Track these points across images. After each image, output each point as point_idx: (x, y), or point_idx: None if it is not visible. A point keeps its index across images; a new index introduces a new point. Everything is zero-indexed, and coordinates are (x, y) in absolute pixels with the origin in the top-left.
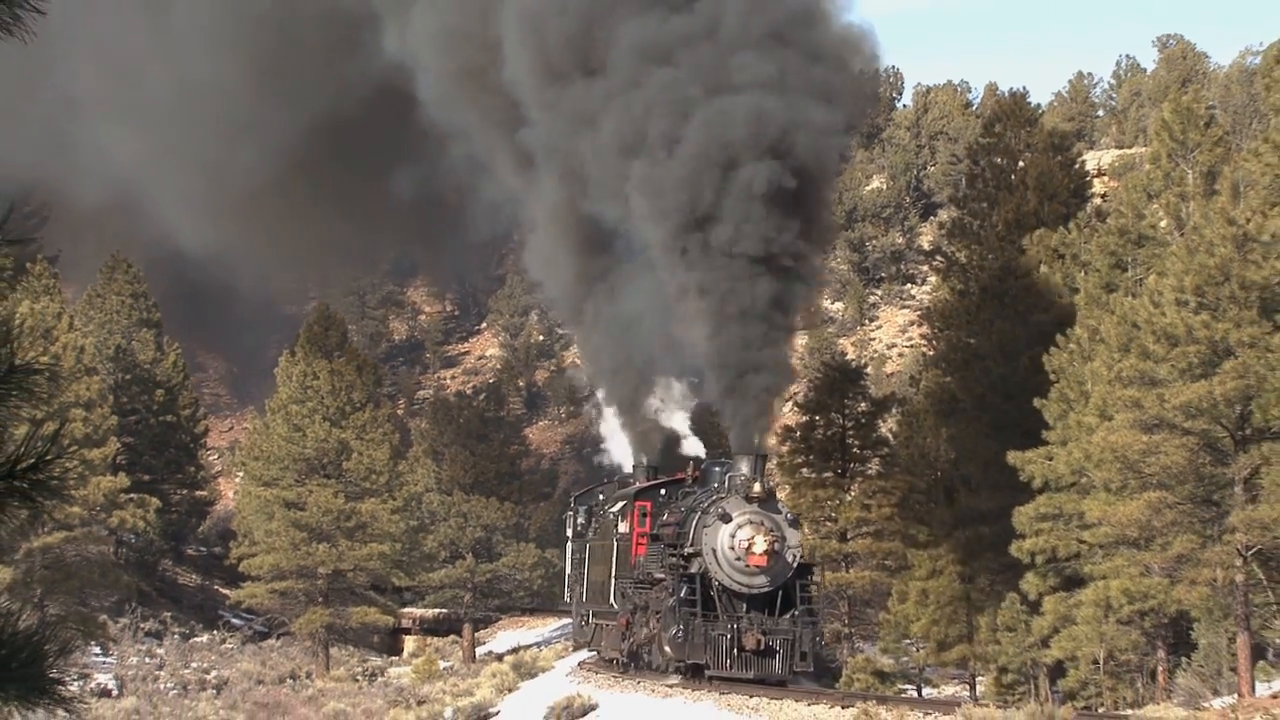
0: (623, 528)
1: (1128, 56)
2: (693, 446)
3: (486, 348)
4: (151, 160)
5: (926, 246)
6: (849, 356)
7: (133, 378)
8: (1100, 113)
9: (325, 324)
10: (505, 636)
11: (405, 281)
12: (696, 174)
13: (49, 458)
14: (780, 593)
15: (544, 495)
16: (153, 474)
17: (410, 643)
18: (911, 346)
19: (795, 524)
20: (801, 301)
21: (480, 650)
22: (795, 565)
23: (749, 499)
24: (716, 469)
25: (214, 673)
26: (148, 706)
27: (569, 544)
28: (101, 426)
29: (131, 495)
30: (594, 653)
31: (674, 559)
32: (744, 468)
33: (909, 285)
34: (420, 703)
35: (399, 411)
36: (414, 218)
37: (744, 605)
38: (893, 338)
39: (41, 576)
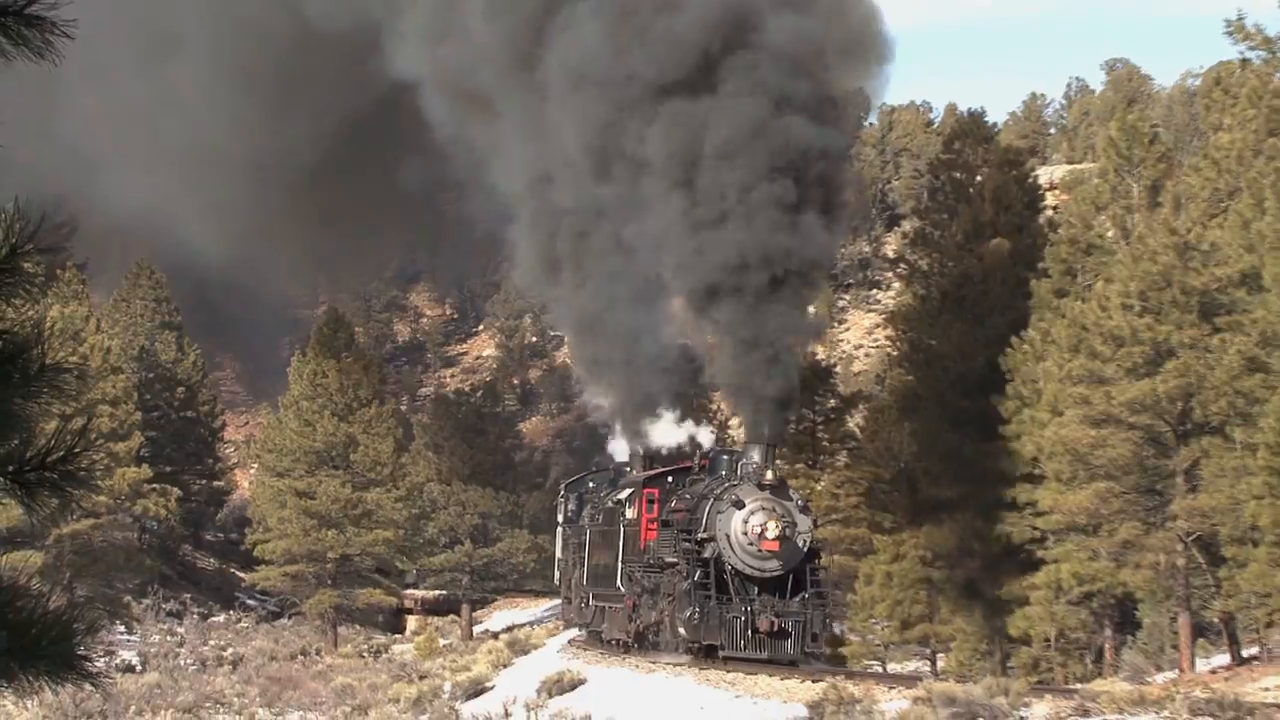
0: (630, 514)
1: (1077, 79)
2: (663, 432)
3: (483, 348)
4: (167, 182)
5: (891, 255)
6: (819, 357)
7: (155, 376)
8: (1052, 131)
9: (334, 326)
10: (500, 616)
11: (408, 287)
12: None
13: (77, 450)
14: (791, 576)
15: (536, 485)
16: (174, 465)
17: (412, 622)
18: (877, 347)
19: (805, 510)
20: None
21: (477, 629)
22: (806, 550)
23: (761, 486)
24: (725, 457)
25: (230, 650)
26: (169, 681)
27: (559, 529)
28: (126, 421)
29: (154, 485)
30: (593, 633)
31: (688, 544)
32: (755, 455)
33: (875, 291)
34: (422, 677)
35: (402, 408)
36: (417, 227)
37: (755, 588)
38: (860, 339)
39: (70, 561)
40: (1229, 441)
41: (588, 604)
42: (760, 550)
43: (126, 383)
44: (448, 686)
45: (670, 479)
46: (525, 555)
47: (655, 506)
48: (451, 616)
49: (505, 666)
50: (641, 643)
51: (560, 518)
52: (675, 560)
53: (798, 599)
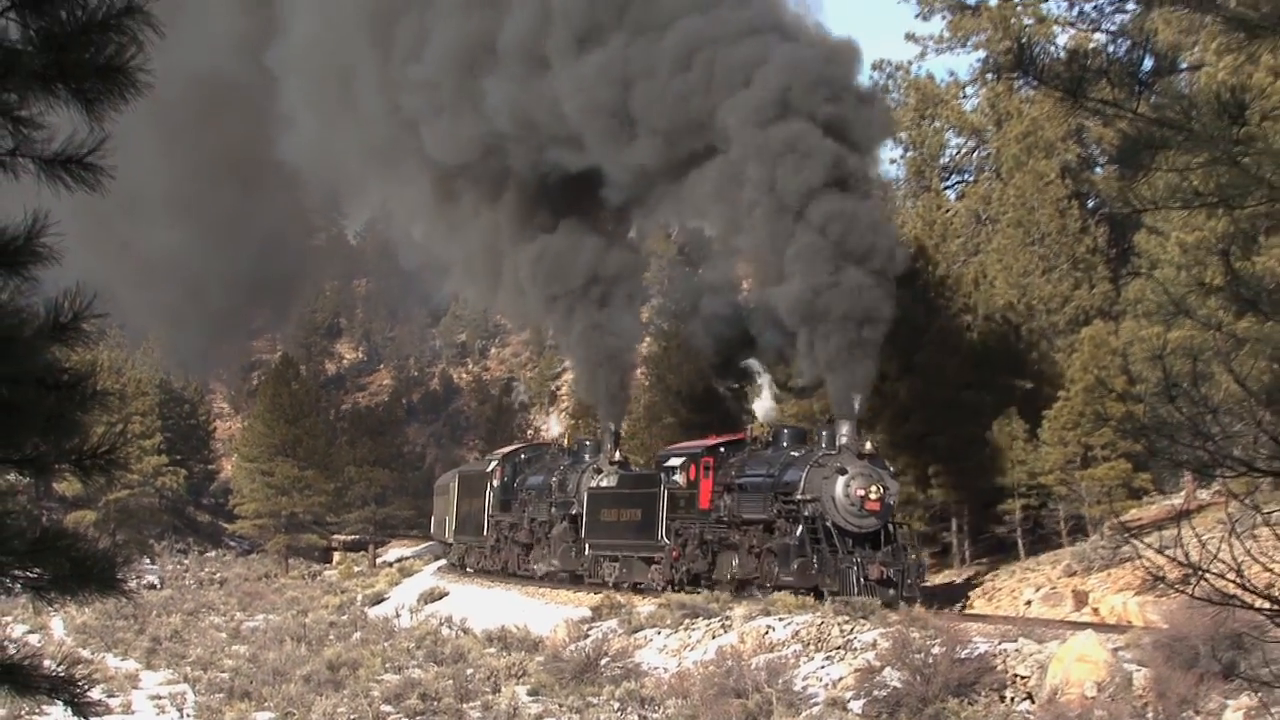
0: (679, 479)
1: None
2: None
3: (383, 380)
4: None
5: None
6: None
7: (170, 397)
8: None
9: (286, 364)
10: (394, 552)
11: (335, 339)
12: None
13: (118, 445)
14: (881, 531)
15: (416, 468)
16: (181, 454)
17: (337, 556)
18: (634, 382)
19: (893, 476)
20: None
21: (379, 560)
22: (894, 508)
23: (860, 455)
24: (785, 431)
25: (219, 574)
26: (178, 595)
27: (489, 493)
28: (151, 426)
29: (169, 468)
30: (575, 576)
31: (788, 504)
32: (845, 429)
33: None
34: (342, 592)
35: (331, 417)
36: (340, 301)
37: (849, 541)
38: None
39: (114, 516)
40: None
41: (579, 553)
42: (862, 510)
43: (151, 401)
44: (359, 597)
45: (723, 449)
46: (408, 513)
47: (711, 472)
48: (362, 552)
49: (397, 584)
50: (679, 584)
51: (495, 483)
52: (760, 518)
53: (885, 550)
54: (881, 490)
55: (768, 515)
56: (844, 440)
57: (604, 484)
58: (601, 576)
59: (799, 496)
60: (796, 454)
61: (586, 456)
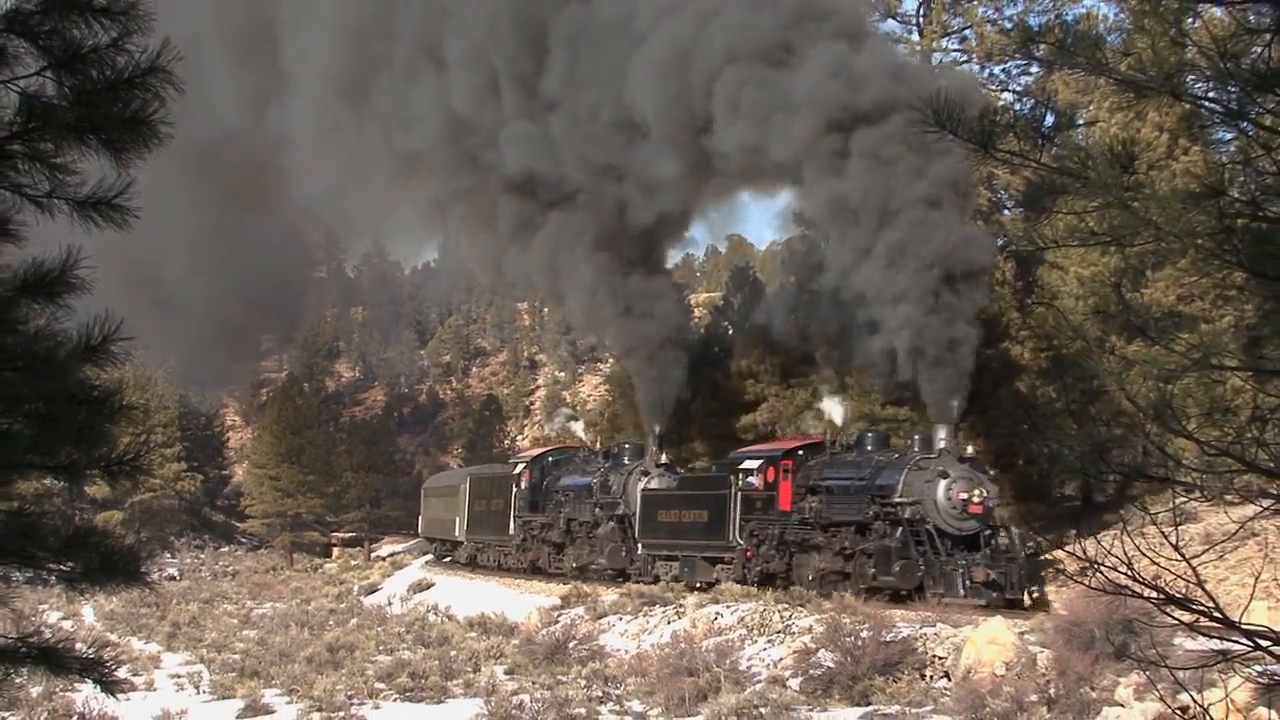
0: (755, 481)
1: (712, 245)
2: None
3: (377, 395)
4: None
5: (608, 342)
6: (568, 400)
7: (188, 410)
8: (699, 274)
9: (291, 382)
10: (386, 548)
11: (334, 360)
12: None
13: (142, 453)
14: (980, 534)
15: (406, 474)
16: (198, 461)
17: (336, 551)
18: (600, 396)
19: (992, 480)
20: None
21: (374, 555)
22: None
23: (961, 460)
24: (870, 435)
25: (231, 567)
26: (195, 585)
27: (515, 494)
28: (172, 436)
29: (187, 473)
30: (619, 573)
31: (885, 507)
32: (942, 433)
33: (599, 363)
34: (341, 582)
35: (330, 429)
36: (340, 329)
37: (948, 544)
38: (590, 391)
39: (139, 516)
40: None
41: (627, 553)
42: (964, 513)
43: (171, 414)
44: (356, 588)
45: (801, 452)
46: (398, 513)
47: (790, 475)
48: (359, 548)
49: (389, 576)
50: (755, 583)
51: (522, 485)
52: (853, 520)
53: (984, 552)
54: (984, 494)
55: (862, 517)
56: (942, 444)
57: (656, 485)
58: (655, 574)
59: (898, 499)
60: (884, 457)
61: (626, 460)
